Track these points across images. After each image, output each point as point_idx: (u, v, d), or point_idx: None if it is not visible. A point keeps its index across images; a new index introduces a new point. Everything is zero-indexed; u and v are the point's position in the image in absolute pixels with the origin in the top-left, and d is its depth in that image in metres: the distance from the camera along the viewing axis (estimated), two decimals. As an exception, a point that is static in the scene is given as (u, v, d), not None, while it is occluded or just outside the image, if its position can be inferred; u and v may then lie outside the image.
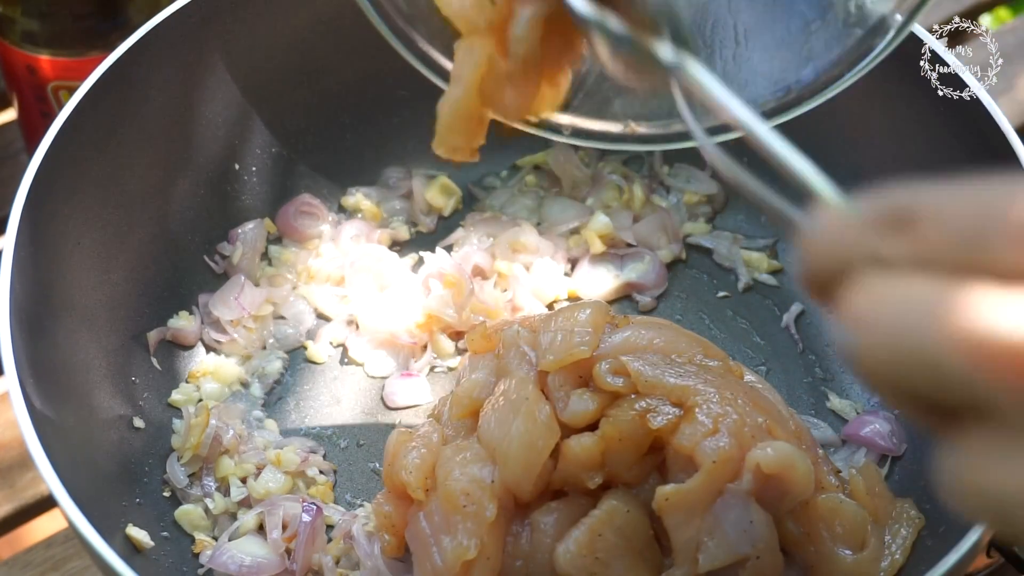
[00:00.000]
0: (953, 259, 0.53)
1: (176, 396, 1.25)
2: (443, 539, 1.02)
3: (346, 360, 1.30)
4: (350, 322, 1.31)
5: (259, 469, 1.20)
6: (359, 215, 1.39)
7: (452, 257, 1.34)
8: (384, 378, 1.29)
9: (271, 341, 1.30)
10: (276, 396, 1.28)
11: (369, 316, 1.29)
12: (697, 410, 1.02)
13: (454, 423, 1.12)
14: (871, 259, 0.56)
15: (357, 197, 1.39)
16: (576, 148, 1.41)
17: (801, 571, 1.08)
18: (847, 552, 1.06)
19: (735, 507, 0.99)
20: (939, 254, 0.53)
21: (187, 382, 1.27)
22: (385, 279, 1.32)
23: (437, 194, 1.40)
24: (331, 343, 1.31)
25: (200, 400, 1.24)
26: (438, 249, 1.35)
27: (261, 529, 1.15)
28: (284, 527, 1.14)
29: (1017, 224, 0.52)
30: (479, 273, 1.33)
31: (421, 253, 1.35)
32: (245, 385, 1.27)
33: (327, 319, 1.32)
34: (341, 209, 1.40)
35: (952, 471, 0.51)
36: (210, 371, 1.27)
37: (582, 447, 1.03)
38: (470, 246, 1.35)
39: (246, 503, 1.18)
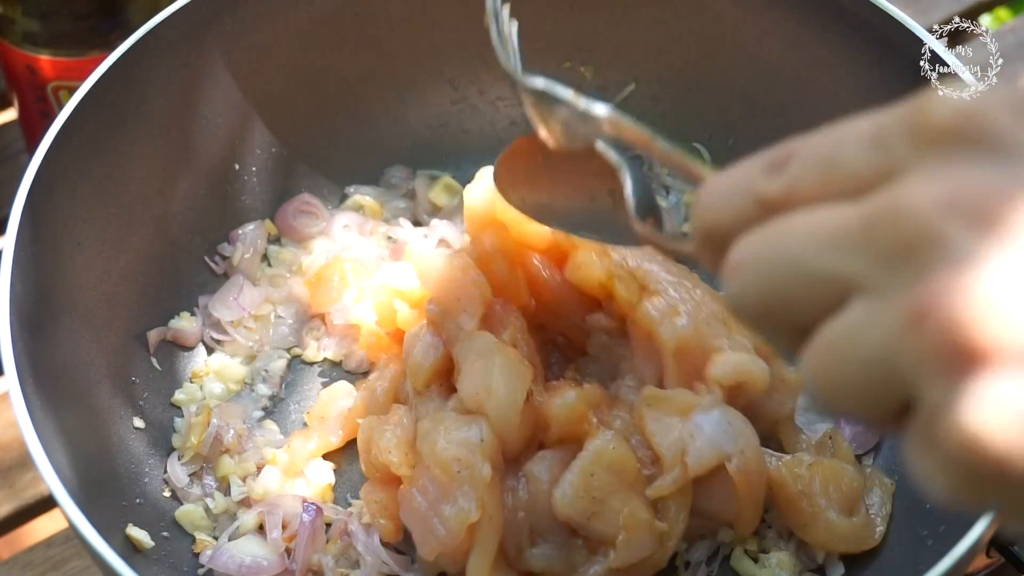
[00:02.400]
0: (815, 187, 0.59)
1: (179, 396, 1.25)
2: (443, 508, 1.04)
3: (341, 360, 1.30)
4: (344, 320, 1.30)
5: (259, 468, 1.20)
6: (360, 211, 1.39)
7: (428, 238, 1.34)
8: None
9: (272, 341, 1.30)
10: (277, 396, 1.28)
11: (359, 312, 1.28)
12: (659, 293, 1.11)
13: (420, 398, 1.14)
14: (756, 207, 0.61)
15: (355, 198, 1.39)
16: None
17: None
18: (841, 516, 1.11)
19: (711, 413, 1.07)
20: (806, 184, 0.59)
21: (191, 381, 1.27)
22: (372, 273, 1.31)
23: (440, 193, 1.40)
24: (327, 342, 1.31)
25: (203, 400, 1.25)
26: (412, 231, 1.35)
27: (261, 529, 1.16)
28: (284, 527, 1.14)
29: (862, 143, 0.58)
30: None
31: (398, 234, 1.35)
32: (250, 385, 1.28)
33: (323, 317, 1.32)
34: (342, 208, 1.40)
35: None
36: (215, 371, 1.27)
37: (567, 406, 1.09)
38: (444, 227, 1.35)
39: (246, 503, 1.18)
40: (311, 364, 1.30)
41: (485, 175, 1.19)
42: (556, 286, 1.19)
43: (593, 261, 1.14)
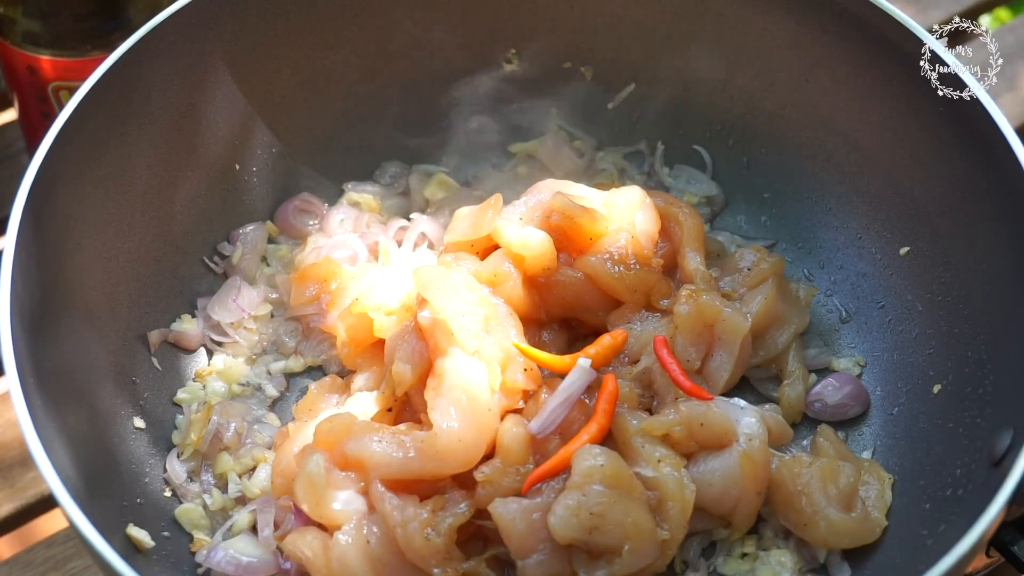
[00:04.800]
0: None
1: (182, 394, 1.25)
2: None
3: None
4: (320, 325, 1.30)
5: (256, 464, 1.20)
6: (356, 207, 1.39)
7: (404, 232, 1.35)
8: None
9: (272, 341, 1.30)
10: (282, 394, 1.28)
11: (333, 320, 1.28)
12: (715, 290, 1.25)
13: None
14: None
15: (351, 195, 1.39)
16: (571, 138, 1.42)
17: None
18: (840, 513, 1.12)
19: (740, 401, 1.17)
20: None
21: (194, 380, 1.27)
22: (364, 267, 1.31)
23: (436, 189, 1.40)
24: (305, 346, 1.31)
25: (206, 399, 1.25)
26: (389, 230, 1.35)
27: (255, 528, 1.16)
28: (276, 526, 1.15)
29: None
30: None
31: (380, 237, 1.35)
32: (253, 385, 1.28)
33: (300, 319, 1.32)
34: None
35: None
36: (218, 371, 1.27)
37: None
38: (425, 222, 1.35)
39: (242, 501, 1.19)
40: (312, 361, 1.30)
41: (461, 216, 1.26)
42: (577, 283, 1.22)
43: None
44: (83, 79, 1.16)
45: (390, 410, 1.18)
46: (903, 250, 1.27)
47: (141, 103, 1.22)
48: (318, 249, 1.32)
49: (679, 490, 1.09)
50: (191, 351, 1.29)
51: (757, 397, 1.26)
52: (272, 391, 1.27)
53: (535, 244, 1.20)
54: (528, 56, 1.40)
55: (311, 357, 1.29)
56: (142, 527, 1.10)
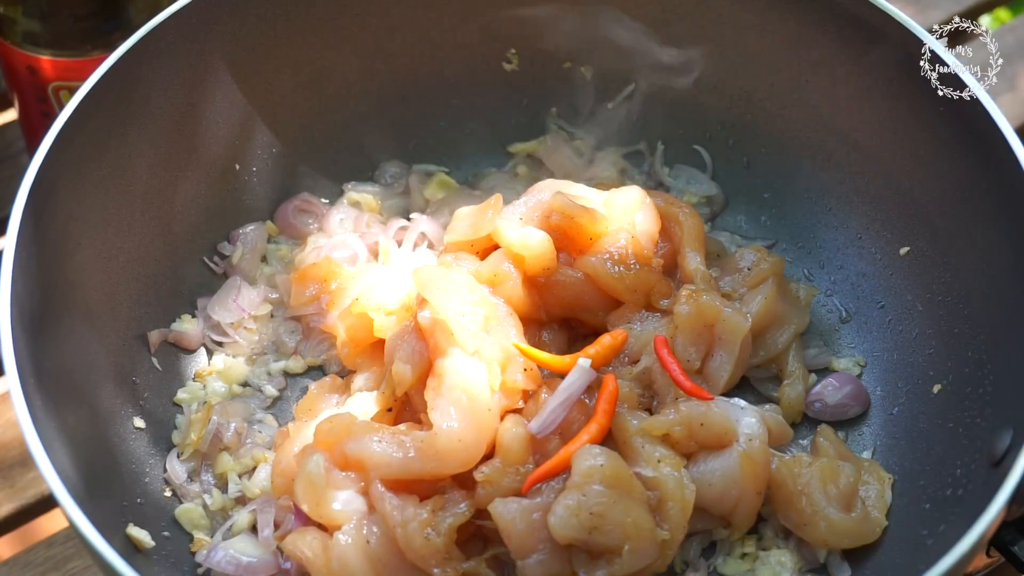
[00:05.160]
0: None
1: (182, 394, 1.25)
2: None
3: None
4: (320, 324, 1.30)
5: (256, 464, 1.20)
6: (356, 207, 1.39)
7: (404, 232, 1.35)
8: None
9: (272, 341, 1.30)
10: (281, 394, 1.28)
11: (333, 320, 1.28)
12: (716, 291, 1.24)
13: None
14: None
15: (351, 195, 1.39)
16: (571, 138, 1.42)
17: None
18: (840, 513, 1.12)
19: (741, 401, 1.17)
20: None
21: (194, 380, 1.27)
22: (364, 267, 1.31)
23: (436, 190, 1.40)
24: (305, 346, 1.31)
25: (206, 399, 1.25)
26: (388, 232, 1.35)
27: (255, 528, 1.16)
28: (276, 526, 1.15)
29: None
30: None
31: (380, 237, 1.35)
32: (253, 385, 1.28)
33: (300, 319, 1.32)
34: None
35: None
36: (218, 371, 1.27)
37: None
38: (425, 222, 1.35)
39: (242, 501, 1.19)
40: (312, 361, 1.30)
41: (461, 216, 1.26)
42: (577, 283, 1.22)
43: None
44: (83, 79, 1.16)
45: (390, 410, 1.18)
46: (903, 250, 1.27)
47: (141, 103, 1.22)
48: (318, 249, 1.32)
49: (679, 490, 1.09)
50: (191, 351, 1.29)
51: (757, 397, 1.26)
52: (272, 391, 1.28)
53: (535, 244, 1.20)
54: (528, 56, 1.40)
55: (311, 357, 1.29)
56: (142, 527, 1.10)
